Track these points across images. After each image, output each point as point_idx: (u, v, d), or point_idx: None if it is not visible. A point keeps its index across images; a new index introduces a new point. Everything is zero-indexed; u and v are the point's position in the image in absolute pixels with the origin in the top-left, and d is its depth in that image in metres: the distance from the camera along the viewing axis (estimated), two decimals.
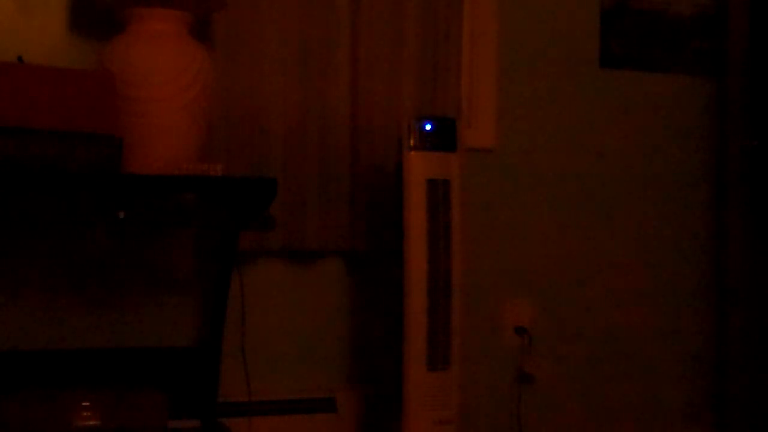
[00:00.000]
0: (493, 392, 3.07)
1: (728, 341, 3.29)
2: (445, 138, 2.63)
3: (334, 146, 2.80)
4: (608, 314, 3.23)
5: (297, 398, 2.80)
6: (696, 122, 3.35)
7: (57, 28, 2.61)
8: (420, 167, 2.59)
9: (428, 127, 2.61)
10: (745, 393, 3.26)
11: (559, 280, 3.16)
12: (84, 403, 2.33)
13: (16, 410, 2.29)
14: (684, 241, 3.33)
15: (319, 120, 2.79)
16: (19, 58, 2.28)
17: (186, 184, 2.35)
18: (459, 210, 2.64)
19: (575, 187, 3.19)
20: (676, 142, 3.32)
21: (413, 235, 2.58)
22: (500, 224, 3.09)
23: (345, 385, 2.89)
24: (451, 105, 2.92)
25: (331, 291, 2.89)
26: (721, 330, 3.32)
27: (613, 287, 3.23)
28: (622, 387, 3.24)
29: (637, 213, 3.27)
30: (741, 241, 3.27)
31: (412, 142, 2.59)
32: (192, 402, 2.64)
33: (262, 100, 2.73)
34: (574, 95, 3.19)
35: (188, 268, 2.73)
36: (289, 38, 2.76)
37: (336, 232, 2.80)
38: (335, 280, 2.89)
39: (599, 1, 3.22)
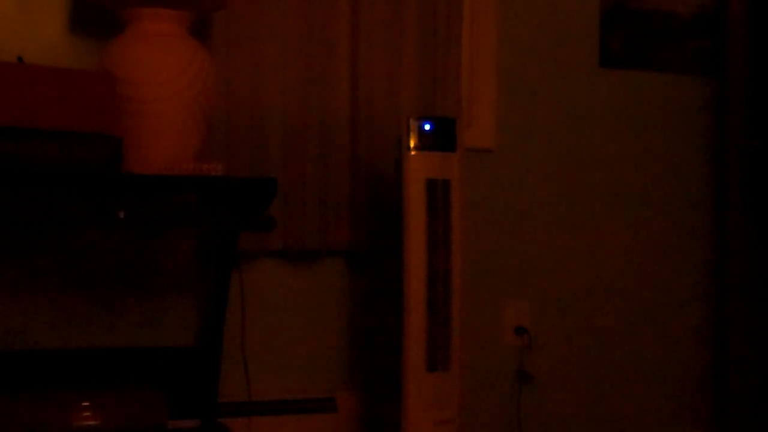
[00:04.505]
0: (493, 392, 3.07)
1: (728, 341, 3.29)
2: (445, 138, 2.63)
3: (334, 146, 2.80)
4: (608, 314, 3.23)
5: (297, 398, 2.81)
6: (696, 122, 3.35)
7: (57, 28, 2.61)
8: (420, 167, 2.59)
9: (428, 127, 2.60)
10: (745, 393, 3.26)
11: (559, 280, 3.16)
12: (84, 403, 2.32)
13: (16, 410, 2.29)
14: (684, 241, 3.33)
15: (319, 120, 2.79)
16: (19, 58, 2.28)
17: (186, 184, 2.34)
18: (459, 210, 2.63)
19: (575, 186, 3.19)
20: (676, 142, 3.32)
21: (413, 235, 2.58)
22: (500, 224, 3.09)
23: (345, 386, 2.89)
24: (451, 105, 2.92)
25: (331, 291, 2.89)
26: (721, 330, 3.32)
27: (613, 287, 3.23)
28: (622, 387, 3.24)
29: (637, 213, 3.27)
30: (741, 241, 3.27)
31: (412, 142, 2.59)
32: (192, 402, 2.64)
33: (262, 100, 2.72)
34: (574, 95, 3.19)
35: (188, 268, 2.72)
36: (289, 38, 2.76)
37: (336, 232, 2.80)
38: (335, 280, 2.89)
39: (599, 1, 3.22)
